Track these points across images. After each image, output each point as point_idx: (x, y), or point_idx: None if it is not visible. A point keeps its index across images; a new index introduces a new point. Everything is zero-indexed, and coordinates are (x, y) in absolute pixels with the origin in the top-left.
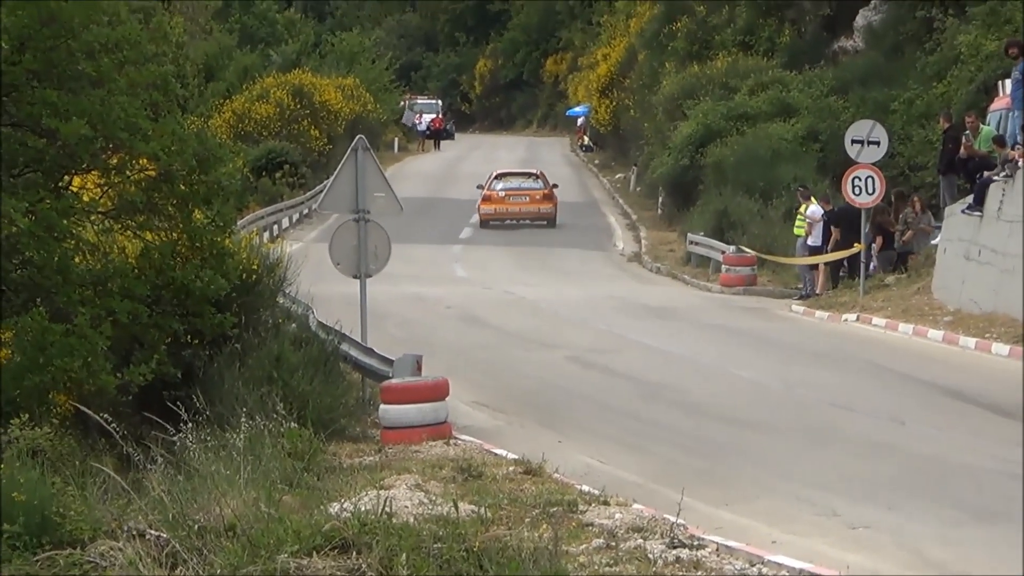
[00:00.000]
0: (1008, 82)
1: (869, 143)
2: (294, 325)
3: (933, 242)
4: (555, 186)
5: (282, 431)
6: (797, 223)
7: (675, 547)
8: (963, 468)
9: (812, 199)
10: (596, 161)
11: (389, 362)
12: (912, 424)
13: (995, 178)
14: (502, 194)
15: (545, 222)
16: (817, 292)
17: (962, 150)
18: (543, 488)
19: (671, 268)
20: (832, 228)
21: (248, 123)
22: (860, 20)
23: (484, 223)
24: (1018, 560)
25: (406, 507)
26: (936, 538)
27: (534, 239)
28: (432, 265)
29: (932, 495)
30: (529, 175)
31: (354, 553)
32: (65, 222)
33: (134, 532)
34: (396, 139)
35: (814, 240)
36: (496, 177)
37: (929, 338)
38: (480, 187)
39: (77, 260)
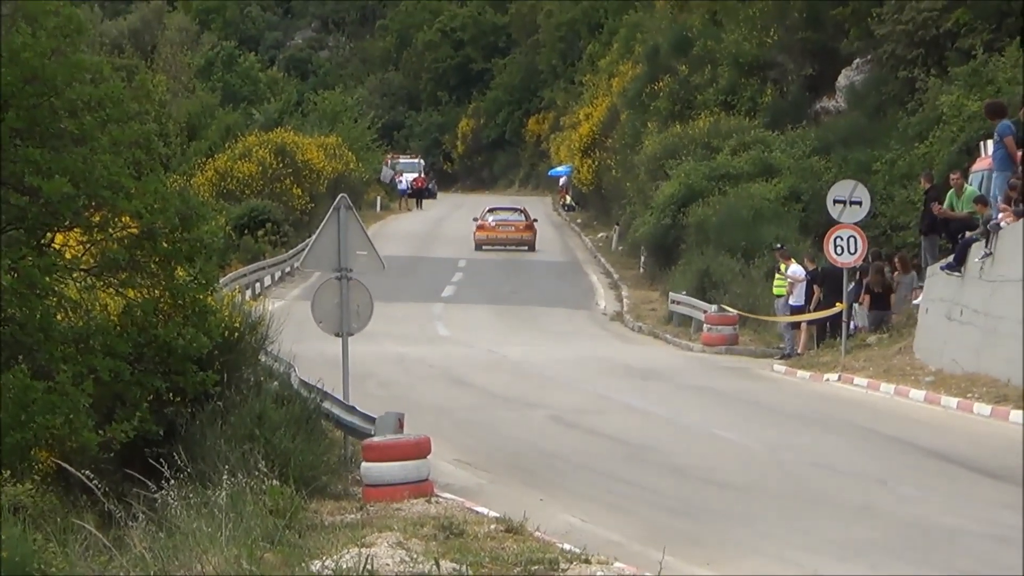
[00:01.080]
0: (990, 142)
1: (851, 203)
2: (276, 383)
3: (915, 302)
4: (535, 220)
5: (264, 488)
6: (776, 283)
7: None
8: (945, 529)
9: (791, 259)
10: (578, 220)
11: (371, 420)
12: (894, 484)
13: (977, 238)
14: (493, 224)
15: (526, 247)
16: (799, 352)
17: (935, 212)
18: (525, 546)
19: (653, 327)
20: (815, 288)
21: (230, 181)
22: (842, 80)
23: (478, 247)
24: None
25: (387, 565)
26: None
27: (517, 298)
28: (414, 324)
29: (915, 556)
30: (515, 210)
31: None
32: (47, 279)
33: None
34: (378, 198)
35: (796, 300)
36: (489, 211)
37: (911, 398)
38: (475, 219)
39: (59, 317)
